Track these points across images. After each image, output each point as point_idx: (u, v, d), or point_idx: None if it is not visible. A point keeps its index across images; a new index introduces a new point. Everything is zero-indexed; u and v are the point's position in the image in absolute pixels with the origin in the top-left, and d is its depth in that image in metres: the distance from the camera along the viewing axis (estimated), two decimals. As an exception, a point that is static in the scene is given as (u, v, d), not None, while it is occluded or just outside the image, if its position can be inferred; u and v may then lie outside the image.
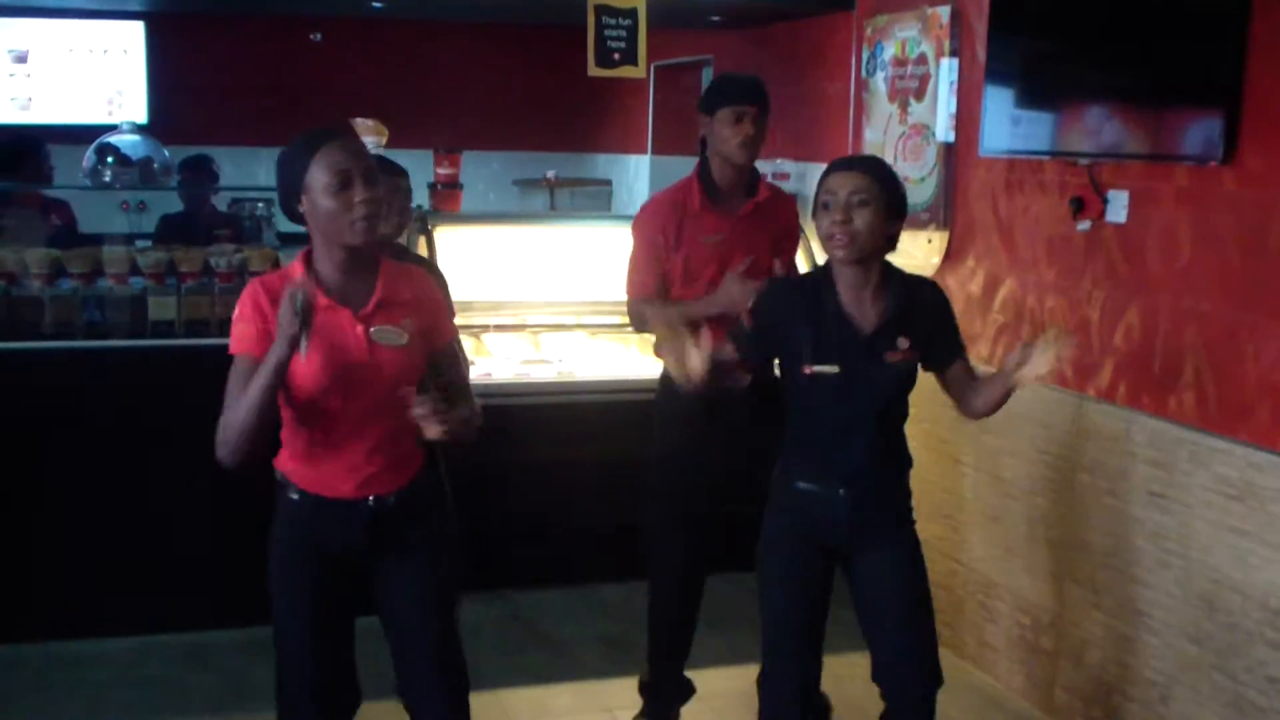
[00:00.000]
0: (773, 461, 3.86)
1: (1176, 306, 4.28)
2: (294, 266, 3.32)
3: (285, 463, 3.39)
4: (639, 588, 4.89)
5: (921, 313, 3.65)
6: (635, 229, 4.62)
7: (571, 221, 7.41)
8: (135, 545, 5.38)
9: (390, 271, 3.37)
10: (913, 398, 3.74)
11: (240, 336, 3.26)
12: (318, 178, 3.18)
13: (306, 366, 3.19)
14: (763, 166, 6.74)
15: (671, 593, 4.68)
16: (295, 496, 3.38)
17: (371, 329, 3.28)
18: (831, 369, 3.54)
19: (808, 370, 3.55)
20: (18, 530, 5.28)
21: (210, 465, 5.37)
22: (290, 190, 3.25)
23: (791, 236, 4.76)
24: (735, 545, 4.44)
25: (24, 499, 5.28)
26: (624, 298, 4.67)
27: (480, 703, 4.91)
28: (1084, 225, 4.65)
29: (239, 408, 3.17)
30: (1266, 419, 3.94)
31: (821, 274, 3.67)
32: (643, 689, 4.85)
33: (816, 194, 3.60)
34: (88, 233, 6.85)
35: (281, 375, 3.13)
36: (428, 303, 3.44)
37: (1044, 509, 4.91)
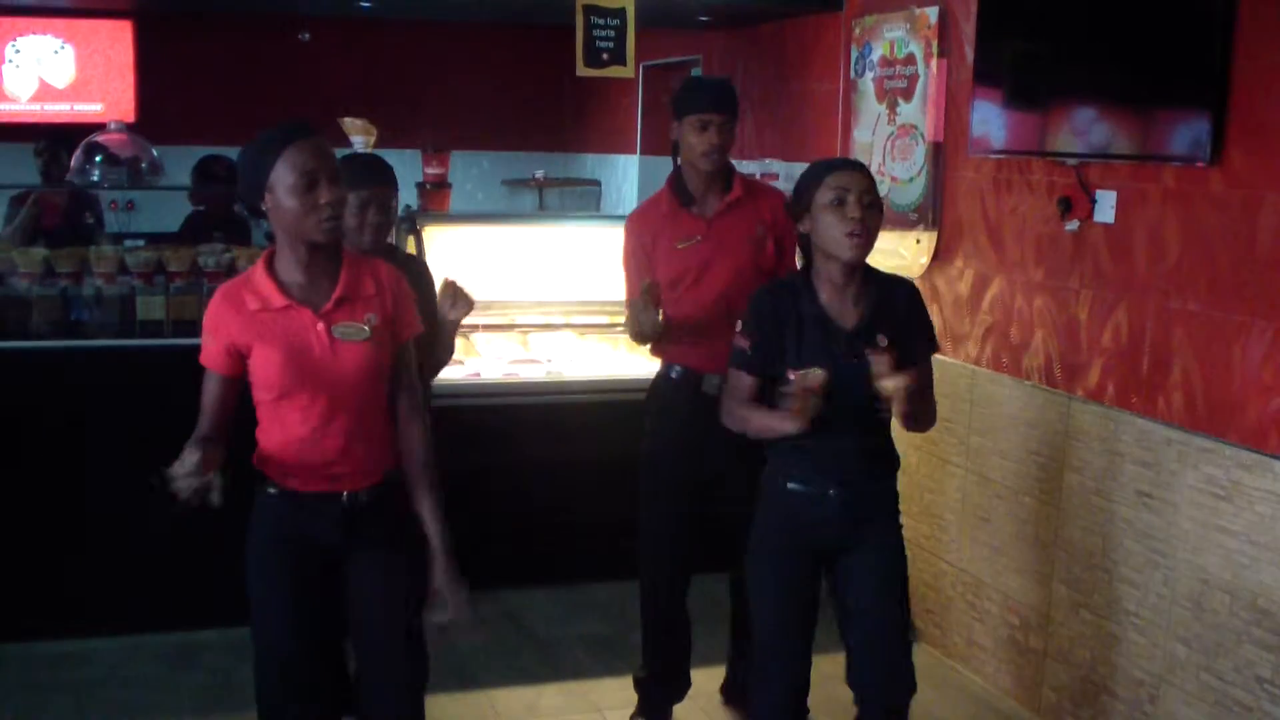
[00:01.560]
0: (760, 460, 3.88)
1: (1164, 306, 4.29)
2: (255, 270, 3.34)
3: (260, 459, 3.41)
4: (629, 587, 4.89)
5: (896, 311, 3.69)
6: (623, 239, 4.65)
7: (560, 221, 7.40)
8: (122, 545, 5.37)
9: (352, 265, 3.38)
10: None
11: (205, 349, 3.36)
12: (283, 177, 3.19)
13: (268, 368, 3.27)
14: (750, 167, 6.77)
15: (659, 590, 4.70)
16: (272, 491, 3.41)
17: (334, 326, 3.30)
18: (815, 371, 3.51)
19: (793, 374, 3.55)
20: (4, 530, 5.27)
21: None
22: (254, 186, 3.25)
23: (785, 232, 4.59)
24: (726, 545, 4.44)
25: (10, 498, 5.27)
26: (612, 298, 4.69)
27: (470, 702, 4.95)
28: (1072, 225, 4.66)
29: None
30: (1254, 419, 3.95)
31: (800, 277, 3.72)
32: (637, 685, 4.85)
33: (814, 190, 3.61)
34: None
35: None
36: (391, 295, 3.43)
37: (1032, 509, 4.92)
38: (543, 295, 6.52)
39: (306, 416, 3.32)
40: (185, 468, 3.15)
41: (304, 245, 3.28)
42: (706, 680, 5.04)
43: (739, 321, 3.77)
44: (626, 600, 5.01)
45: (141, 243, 6.10)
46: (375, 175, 4.13)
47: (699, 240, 4.47)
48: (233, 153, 7.69)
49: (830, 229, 3.56)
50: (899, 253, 5.60)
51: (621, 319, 6.51)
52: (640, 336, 4.47)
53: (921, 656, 5.46)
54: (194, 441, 3.21)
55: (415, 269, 4.42)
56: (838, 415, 3.58)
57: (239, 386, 3.37)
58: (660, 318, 4.35)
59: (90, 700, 4.92)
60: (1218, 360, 4.08)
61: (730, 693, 5.03)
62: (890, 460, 3.83)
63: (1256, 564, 3.93)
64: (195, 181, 7.31)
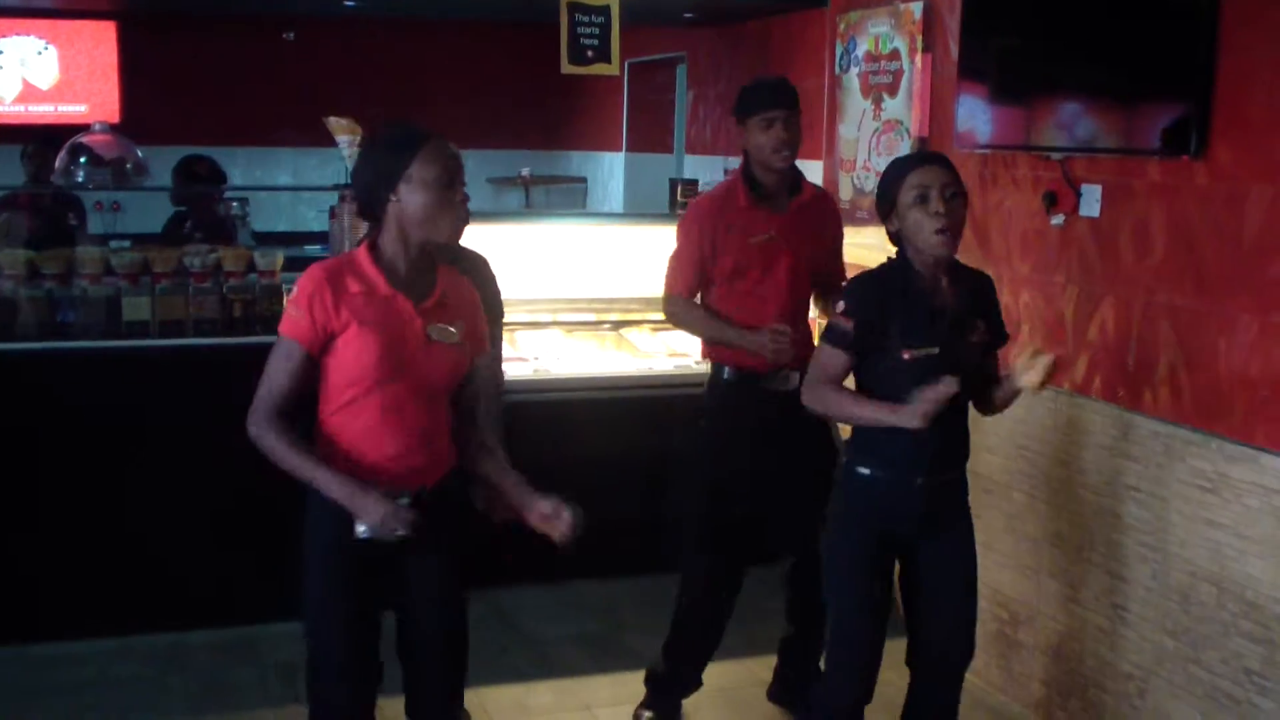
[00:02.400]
0: (819, 455, 4.02)
1: (1150, 300, 4.30)
2: (359, 254, 3.35)
3: (324, 451, 3.35)
4: (619, 586, 4.90)
5: (982, 300, 3.82)
6: (682, 228, 4.64)
7: (547, 219, 7.39)
8: (111, 546, 5.35)
9: (446, 274, 3.43)
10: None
11: (290, 319, 3.29)
12: (426, 171, 3.25)
13: (365, 354, 3.25)
14: (738, 164, 6.77)
15: (704, 595, 4.70)
16: None
17: (430, 325, 3.33)
18: (932, 350, 3.61)
19: (907, 355, 3.62)
20: (-8, 533, 5.26)
21: (186, 465, 5.38)
22: (385, 180, 3.27)
23: (836, 241, 4.76)
24: (777, 539, 4.46)
25: (-1, 501, 5.27)
26: (599, 295, 4.70)
27: (460, 701, 4.91)
28: (1058, 220, 4.66)
29: (287, 458, 3.27)
30: (1241, 412, 3.96)
31: (899, 264, 3.74)
32: (650, 679, 4.85)
33: (897, 189, 3.65)
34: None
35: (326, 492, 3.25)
36: (471, 311, 3.50)
37: (1021, 504, 4.93)
38: (530, 293, 6.51)
39: (389, 409, 3.31)
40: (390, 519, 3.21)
41: (418, 243, 3.32)
42: (725, 675, 5.06)
43: (839, 303, 3.78)
44: (617, 598, 5.02)
45: (127, 244, 6.08)
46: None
47: (772, 237, 4.49)
48: (218, 153, 7.70)
49: (918, 227, 3.62)
50: (887, 247, 5.60)
51: (609, 316, 6.53)
52: (737, 346, 4.52)
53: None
54: (333, 478, 3.24)
55: (476, 264, 4.39)
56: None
57: (314, 367, 3.32)
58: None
59: (81, 702, 4.90)
60: (1204, 353, 4.09)
61: (780, 692, 5.00)
62: (967, 447, 3.89)
63: (1244, 557, 3.94)
64: (176, 182, 7.29)
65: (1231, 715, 4.00)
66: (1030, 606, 4.90)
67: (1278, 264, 3.82)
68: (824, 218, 4.69)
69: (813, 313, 4.76)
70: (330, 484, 3.23)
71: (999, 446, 5.01)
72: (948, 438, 3.73)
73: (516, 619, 5.77)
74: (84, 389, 5.29)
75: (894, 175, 3.69)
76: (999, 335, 3.89)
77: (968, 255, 5.17)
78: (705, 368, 4.77)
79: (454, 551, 3.53)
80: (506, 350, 6.29)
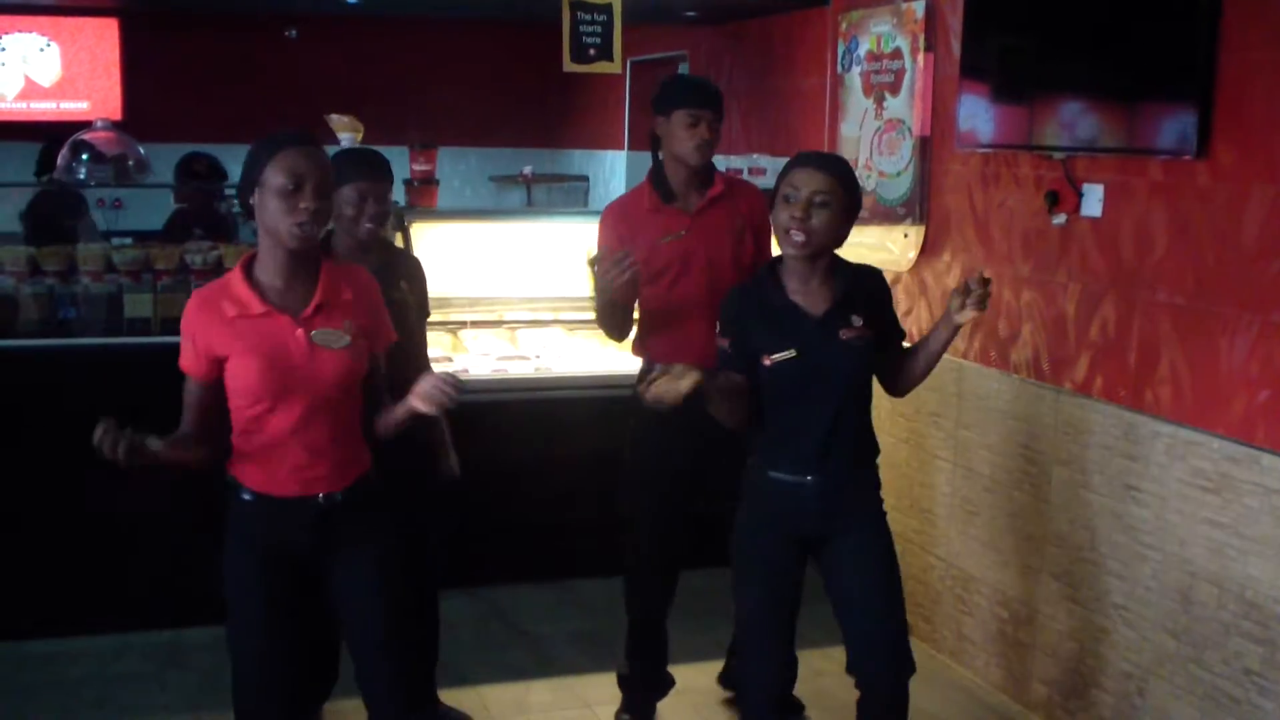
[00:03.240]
0: (744, 456, 3.92)
1: (1152, 300, 4.30)
2: (232, 276, 3.38)
3: (235, 465, 3.45)
4: (617, 584, 4.89)
5: (868, 296, 3.78)
6: (598, 233, 4.65)
7: (548, 217, 7.40)
8: (110, 542, 5.36)
9: (331, 272, 3.42)
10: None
11: (184, 354, 3.39)
12: (272, 178, 3.23)
13: (247, 376, 3.29)
14: (738, 163, 6.77)
15: (646, 588, 4.70)
16: (247, 497, 3.45)
17: (313, 332, 3.34)
18: (789, 354, 3.63)
19: (767, 361, 3.65)
20: (-8, 529, 5.26)
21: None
22: (247, 183, 3.30)
23: (761, 227, 4.66)
24: (713, 541, 4.44)
25: (-2, 498, 5.27)
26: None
27: (459, 699, 4.94)
28: (1059, 219, 4.66)
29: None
30: (1241, 411, 3.95)
31: (766, 271, 3.78)
32: (621, 683, 4.86)
33: (778, 185, 3.70)
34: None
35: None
36: (368, 304, 3.49)
37: (1021, 503, 4.93)
38: (531, 291, 6.52)
39: (284, 422, 3.34)
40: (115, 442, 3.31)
41: (283, 250, 3.30)
42: (698, 676, 5.05)
43: (718, 324, 3.82)
44: (615, 596, 5.00)
45: (129, 240, 6.09)
46: (372, 168, 4.16)
47: (683, 235, 4.48)
48: (219, 150, 7.70)
49: (776, 223, 3.70)
50: (886, 247, 5.61)
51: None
52: (609, 303, 4.41)
53: (911, 651, 5.48)
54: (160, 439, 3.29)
55: (410, 263, 4.44)
56: (815, 401, 3.68)
57: (219, 390, 3.38)
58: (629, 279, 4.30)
59: (79, 699, 4.90)
60: (1205, 353, 4.09)
61: (729, 680, 5.03)
62: (869, 447, 3.89)
63: (1244, 556, 3.94)
64: (178, 179, 7.29)
65: (1232, 715, 4.00)
66: (1031, 606, 4.90)
67: (1278, 263, 3.81)
68: (739, 207, 4.59)
69: None
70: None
71: (1000, 445, 5.01)
72: (840, 435, 3.72)
73: (516, 617, 5.77)
74: (85, 386, 5.28)
75: (782, 171, 3.73)
76: (891, 333, 3.87)
77: (970, 254, 5.18)
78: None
79: (381, 553, 3.53)
80: (507, 348, 6.32)
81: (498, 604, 5.87)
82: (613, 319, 4.52)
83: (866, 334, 3.72)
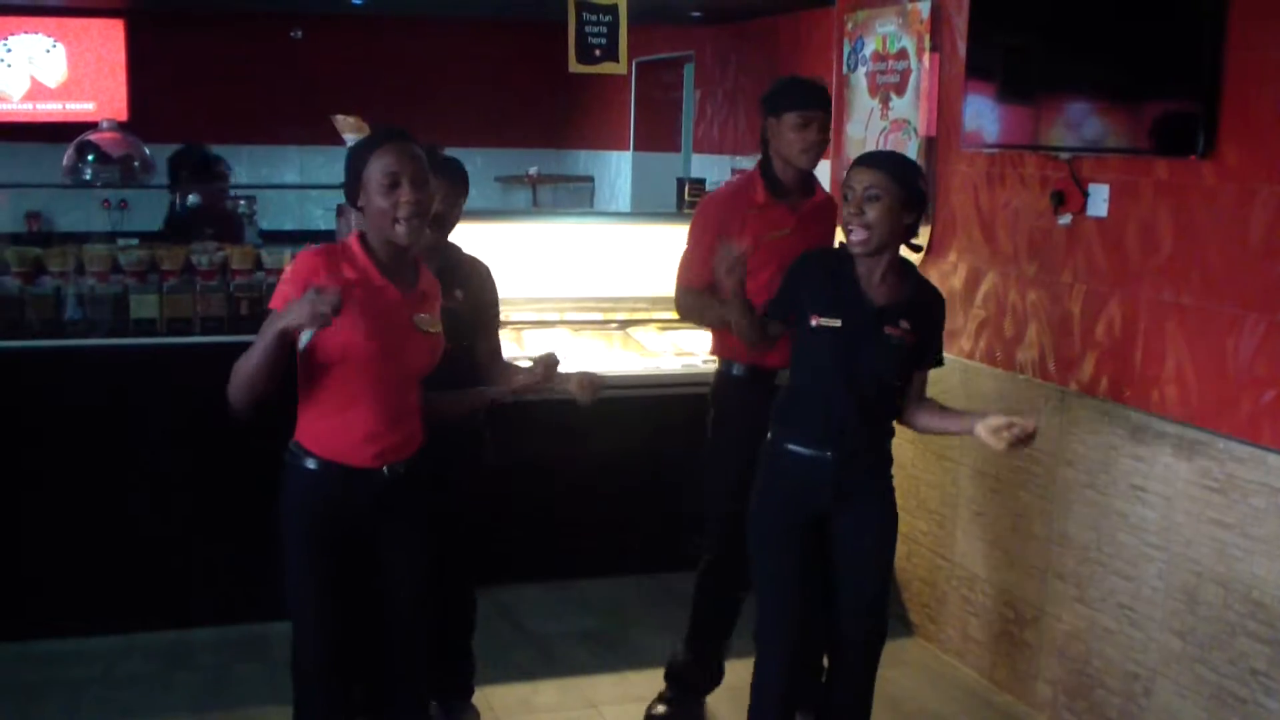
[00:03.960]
0: None
1: (1157, 300, 4.29)
2: (351, 241, 3.55)
3: (304, 434, 3.56)
4: (624, 584, 4.92)
5: (924, 311, 3.91)
6: (695, 221, 4.63)
7: (554, 218, 7.39)
8: (116, 543, 5.36)
9: (425, 270, 3.69)
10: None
11: (281, 296, 3.43)
12: (372, 176, 3.44)
13: (355, 338, 3.42)
14: (744, 163, 6.78)
15: (724, 577, 4.70)
16: (312, 466, 3.53)
17: (415, 315, 3.56)
18: (834, 322, 3.79)
19: (814, 321, 3.81)
20: (-1, 529, 5.27)
21: (193, 463, 5.38)
22: (352, 186, 3.51)
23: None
24: None
25: (4, 497, 5.26)
26: (606, 294, 4.70)
27: (464, 699, 4.91)
28: (1065, 219, 4.66)
29: (251, 353, 3.34)
30: (1247, 411, 3.95)
31: (844, 250, 3.89)
32: (671, 673, 4.87)
33: (846, 181, 3.83)
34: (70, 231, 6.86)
35: (284, 337, 3.29)
36: (439, 306, 3.72)
37: (1027, 503, 4.92)
38: (537, 292, 6.51)
39: (372, 389, 3.50)
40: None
41: (392, 243, 3.50)
42: (735, 674, 5.06)
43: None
44: (622, 597, 5.03)
45: (135, 241, 6.09)
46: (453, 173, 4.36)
47: (788, 233, 4.49)
48: (225, 151, 7.70)
49: (843, 223, 3.84)
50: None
51: (616, 315, 6.52)
52: (737, 299, 4.21)
53: (916, 650, 5.49)
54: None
55: (469, 271, 4.42)
56: (842, 381, 3.81)
57: (292, 347, 3.40)
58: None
59: (84, 699, 4.90)
60: (1211, 353, 4.08)
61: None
62: (887, 430, 4.02)
63: (1250, 556, 3.94)
64: (176, 175, 7.24)
65: (1238, 715, 3.99)
66: (1036, 606, 4.89)
67: (1285, 263, 3.82)
68: (831, 222, 4.70)
69: None
70: (265, 331, 3.31)
71: (1005, 446, 5.01)
72: (860, 414, 3.84)
73: (522, 617, 5.77)
74: (91, 386, 5.29)
75: (849, 169, 3.86)
76: (929, 352, 3.97)
77: (976, 253, 5.18)
78: (714, 366, 4.75)
79: (423, 525, 3.71)
80: (513, 349, 6.31)
81: (504, 604, 5.87)
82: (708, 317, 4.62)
83: (910, 339, 3.83)
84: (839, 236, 3.93)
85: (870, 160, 3.85)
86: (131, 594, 5.39)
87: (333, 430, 3.52)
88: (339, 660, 3.66)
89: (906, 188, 3.77)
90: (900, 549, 5.67)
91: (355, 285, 3.43)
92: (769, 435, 3.99)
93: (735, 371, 4.60)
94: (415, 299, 3.57)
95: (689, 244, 4.63)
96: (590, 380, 4.02)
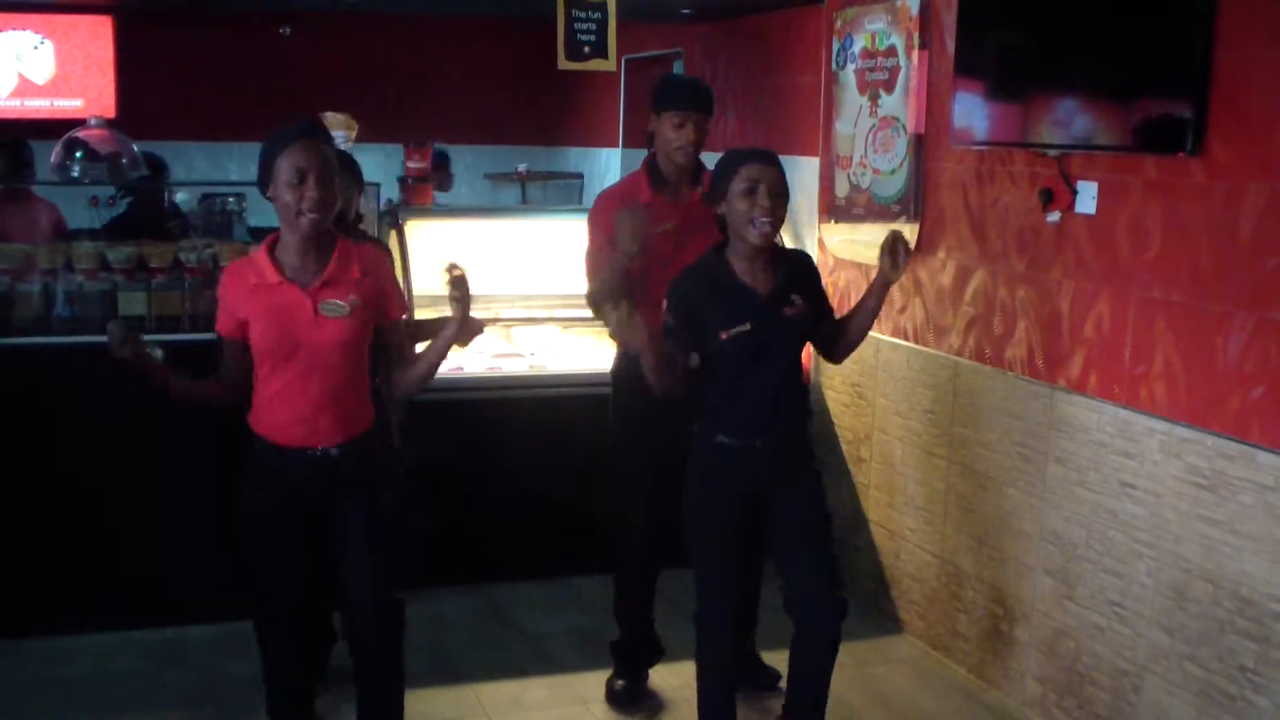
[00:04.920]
0: None
1: (1146, 297, 4.30)
2: (259, 251, 3.89)
3: (251, 416, 3.93)
4: (613, 581, 4.92)
5: (803, 278, 4.20)
6: (590, 222, 4.85)
7: (543, 215, 7.40)
8: (106, 540, 5.36)
9: (344, 252, 3.90)
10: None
11: (219, 319, 3.92)
12: (281, 170, 3.73)
13: (264, 336, 3.80)
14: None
15: (638, 547, 4.88)
16: (258, 445, 3.91)
17: (320, 303, 3.80)
18: (744, 328, 4.00)
19: (724, 335, 4.01)
20: (-12, 527, 5.26)
21: (183, 460, 5.37)
22: (263, 176, 3.81)
23: None
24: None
25: (-5, 496, 5.26)
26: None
27: (456, 696, 4.95)
28: (1054, 216, 4.67)
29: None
30: (1236, 409, 3.96)
31: (713, 255, 4.15)
32: (614, 648, 5.06)
33: (726, 179, 4.04)
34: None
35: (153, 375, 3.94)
36: (375, 279, 3.94)
37: (1016, 500, 4.93)
38: (526, 289, 6.52)
39: (289, 376, 3.82)
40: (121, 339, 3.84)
41: (296, 234, 3.80)
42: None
43: (664, 301, 4.15)
44: (611, 594, 5.02)
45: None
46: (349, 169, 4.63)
47: (674, 226, 4.66)
48: (214, 148, 7.65)
49: (736, 214, 4.02)
50: (879, 244, 5.60)
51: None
52: (607, 290, 4.56)
53: (905, 647, 5.49)
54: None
55: (376, 254, 4.49)
56: (763, 371, 4.05)
57: (247, 349, 3.86)
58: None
59: (76, 697, 4.90)
60: (1200, 351, 4.09)
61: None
62: (804, 412, 4.36)
63: (1239, 553, 3.95)
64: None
65: (1227, 712, 4.01)
66: (1026, 603, 4.90)
67: (1273, 261, 3.82)
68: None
69: None
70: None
71: (995, 443, 5.02)
72: (785, 401, 4.11)
73: (512, 614, 5.78)
74: (80, 383, 5.28)
75: (728, 166, 4.07)
76: (823, 309, 4.29)
77: (965, 251, 5.18)
78: None
79: (375, 506, 3.98)
80: (503, 346, 6.32)
81: (494, 601, 5.88)
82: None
83: (806, 311, 4.13)
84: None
85: (767, 157, 4.09)
86: (124, 591, 5.39)
87: (265, 414, 3.88)
88: (298, 610, 4.02)
89: (787, 187, 4.08)
90: (889, 546, 5.70)
91: (258, 289, 3.80)
92: (697, 427, 4.15)
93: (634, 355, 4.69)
94: (320, 288, 3.81)
95: (589, 244, 4.84)
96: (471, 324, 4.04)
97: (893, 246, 4.09)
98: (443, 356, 4.04)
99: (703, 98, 4.75)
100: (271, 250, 3.88)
